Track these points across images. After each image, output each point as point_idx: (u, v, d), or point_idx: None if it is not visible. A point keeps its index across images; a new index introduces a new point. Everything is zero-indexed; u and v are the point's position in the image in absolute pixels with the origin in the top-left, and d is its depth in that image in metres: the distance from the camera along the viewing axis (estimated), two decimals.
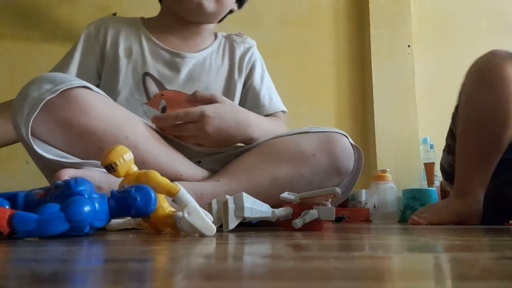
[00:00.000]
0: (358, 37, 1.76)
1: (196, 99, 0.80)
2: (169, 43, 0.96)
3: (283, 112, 1.02)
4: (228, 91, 0.97)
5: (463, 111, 0.97)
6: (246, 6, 1.06)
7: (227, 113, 0.80)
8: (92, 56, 0.92)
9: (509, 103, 0.88)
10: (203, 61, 0.97)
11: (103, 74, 0.92)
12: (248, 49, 1.02)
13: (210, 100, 0.80)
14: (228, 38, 1.03)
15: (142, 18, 1.00)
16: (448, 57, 1.77)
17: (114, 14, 1.64)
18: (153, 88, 0.91)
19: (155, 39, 0.95)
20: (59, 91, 0.65)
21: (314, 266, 0.26)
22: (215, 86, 0.96)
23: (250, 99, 0.99)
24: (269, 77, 1.05)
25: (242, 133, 0.83)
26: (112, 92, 0.89)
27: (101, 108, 0.70)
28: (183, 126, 0.78)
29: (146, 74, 0.92)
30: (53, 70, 0.91)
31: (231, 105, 0.83)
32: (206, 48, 0.99)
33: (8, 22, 1.54)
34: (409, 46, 1.69)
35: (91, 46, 0.92)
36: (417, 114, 1.65)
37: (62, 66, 0.91)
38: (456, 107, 1.05)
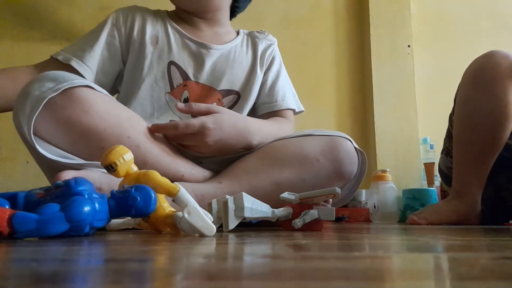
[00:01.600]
0: (358, 37, 1.76)
1: (192, 111, 0.79)
2: (194, 34, 0.96)
3: (298, 111, 1.02)
4: (247, 85, 0.96)
5: (460, 113, 0.97)
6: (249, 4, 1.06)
7: (226, 123, 0.79)
8: (118, 41, 0.92)
9: (506, 104, 0.88)
10: (228, 53, 0.97)
11: (128, 61, 0.92)
12: (269, 45, 1.02)
13: (207, 112, 0.79)
14: (250, 34, 1.04)
15: (167, 11, 1.01)
16: (448, 57, 1.77)
17: None
18: (177, 78, 0.91)
19: (181, 29, 0.95)
20: (61, 90, 0.65)
21: (314, 266, 0.26)
22: (236, 79, 0.96)
23: (263, 94, 0.99)
24: (287, 75, 1.05)
25: (242, 142, 0.82)
26: (136, 78, 0.90)
27: (103, 108, 0.70)
28: (183, 136, 0.77)
29: (172, 63, 0.92)
30: (75, 46, 0.89)
31: (230, 114, 0.82)
32: (230, 41, 0.99)
33: (8, 22, 1.54)
34: (409, 46, 1.69)
35: (118, 30, 0.92)
36: (417, 114, 1.65)
37: (86, 45, 0.89)
38: (453, 109, 1.05)
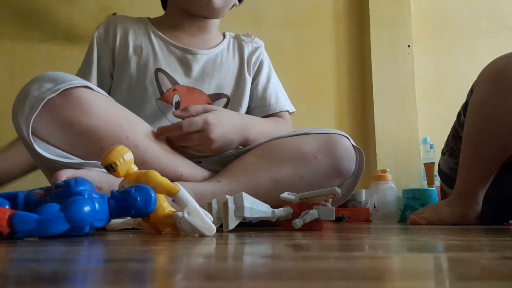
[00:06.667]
0: (358, 37, 1.76)
1: (190, 115, 0.79)
2: (179, 40, 0.96)
3: (289, 112, 1.03)
4: (238, 88, 0.97)
5: (475, 113, 0.92)
6: (247, 3, 1.06)
7: (225, 119, 0.80)
8: (105, 58, 0.92)
9: None
10: (214, 57, 0.97)
11: (115, 73, 0.92)
12: (256, 49, 1.03)
13: (204, 111, 0.79)
14: (237, 38, 1.04)
15: (149, 18, 1.01)
16: (448, 57, 1.77)
17: (114, 14, 1.64)
18: (166, 84, 0.91)
19: (164, 36, 0.96)
20: (60, 91, 0.66)
21: (314, 266, 0.26)
22: (226, 83, 0.96)
23: (256, 98, 0.99)
24: (277, 77, 1.06)
25: (239, 136, 0.83)
26: (124, 89, 0.90)
27: (102, 108, 0.70)
28: (188, 135, 0.77)
29: (159, 70, 0.92)
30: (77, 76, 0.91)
31: (225, 110, 0.85)
32: (216, 45, 0.99)
33: (8, 22, 1.54)
34: (409, 46, 1.69)
35: (103, 49, 0.93)
36: (417, 114, 1.65)
37: (85, 73, 0.91)
38: (463, 108, 1.00)
